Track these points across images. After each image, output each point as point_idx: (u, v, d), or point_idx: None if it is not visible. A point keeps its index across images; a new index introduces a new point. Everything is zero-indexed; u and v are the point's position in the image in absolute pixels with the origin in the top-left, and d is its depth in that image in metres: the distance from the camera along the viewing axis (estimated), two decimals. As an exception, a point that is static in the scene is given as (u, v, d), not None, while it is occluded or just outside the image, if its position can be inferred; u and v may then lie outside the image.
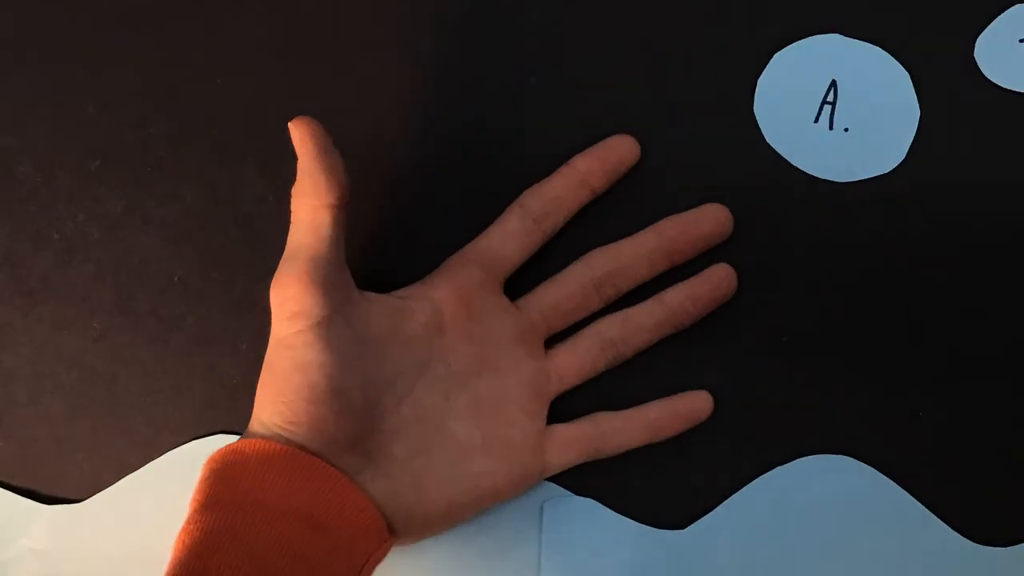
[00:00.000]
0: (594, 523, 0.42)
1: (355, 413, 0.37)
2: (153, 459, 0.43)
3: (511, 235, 0.40)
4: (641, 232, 0.41)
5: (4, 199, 0.43)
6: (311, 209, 0.37)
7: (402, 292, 0.40)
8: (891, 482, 0.42)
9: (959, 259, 0.43)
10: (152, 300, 0.43)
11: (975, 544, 0.42)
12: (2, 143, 0.43)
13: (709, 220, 0.41)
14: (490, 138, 0.43)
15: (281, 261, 0.37)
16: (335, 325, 0.36)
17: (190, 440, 0.43)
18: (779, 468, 0.42)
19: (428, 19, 0.43)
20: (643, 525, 0.42)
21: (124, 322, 0.43)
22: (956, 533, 0.42)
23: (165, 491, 0.42)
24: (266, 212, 0.43)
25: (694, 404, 0.41)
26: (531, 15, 0.43)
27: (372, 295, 0.39)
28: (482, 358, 0.40)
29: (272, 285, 0.37)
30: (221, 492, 0.35)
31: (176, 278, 0.43)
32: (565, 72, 0.43)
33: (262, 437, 0.36)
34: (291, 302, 0.36)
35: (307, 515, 0.35)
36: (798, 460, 0.42)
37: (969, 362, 0.42)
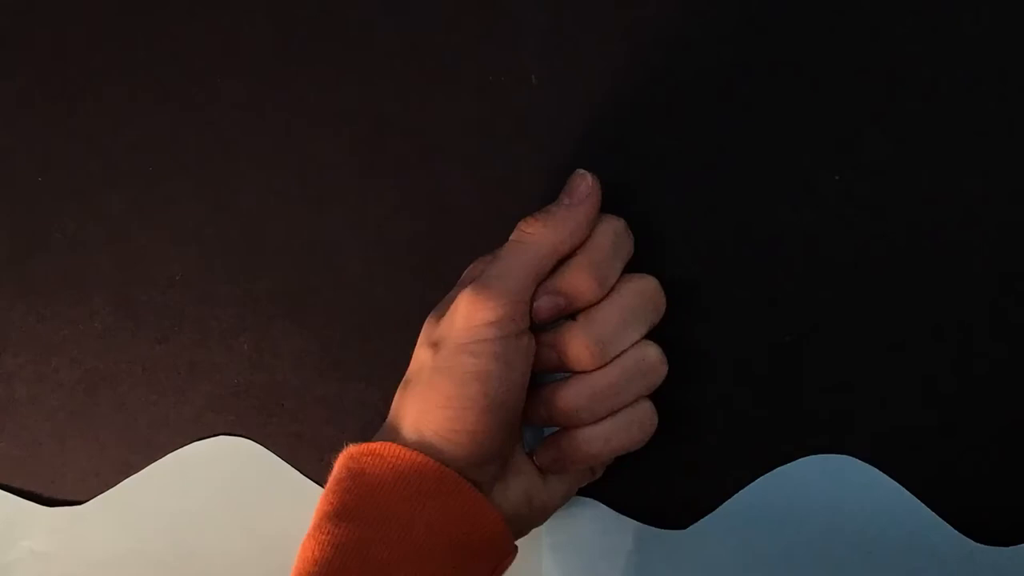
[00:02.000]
0: (595, 523, 0.42)
1: (512, 427, 0.37)
2: (154, 459, 0.43)
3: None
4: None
5: (4, 199, 0.43)
6: (551, 244, 0.37)
7: None
8: (892, 482, 0.42)
9: (960, 259, 0.43)
10: (152, 300, 0.43)
11: (977, 544, 0.41)
12: (2, 143, 0.43)
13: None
14: (490, 138, 0.43)
15: (489, 271, 0.37)
16: (519, 344, 0.37)
17: (191, 440, 0.43)
18: (780, 468, 0.42)
19: (428, 19, 0.43)
20: (644, 525, 0.42)
21: (124, 322, 0.43)
22: (958, 533, 0.42)
23: (165, 493, 0.43)
24: (266, 212, 0.43)
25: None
26: (531, 15, 0.43)
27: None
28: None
29: (473, 291, 0.37)
30: (354, 502, 0.35)
31: (177, 278, 0.43)
32: (565, 72, 0.43)
33: (406, 443, 0.36)
34: (492, 312, 0.36)
35: (442, 532, 0.35)
36: (798, 460, 0.42)
37: (970, 361, 0.42)
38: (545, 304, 0.37)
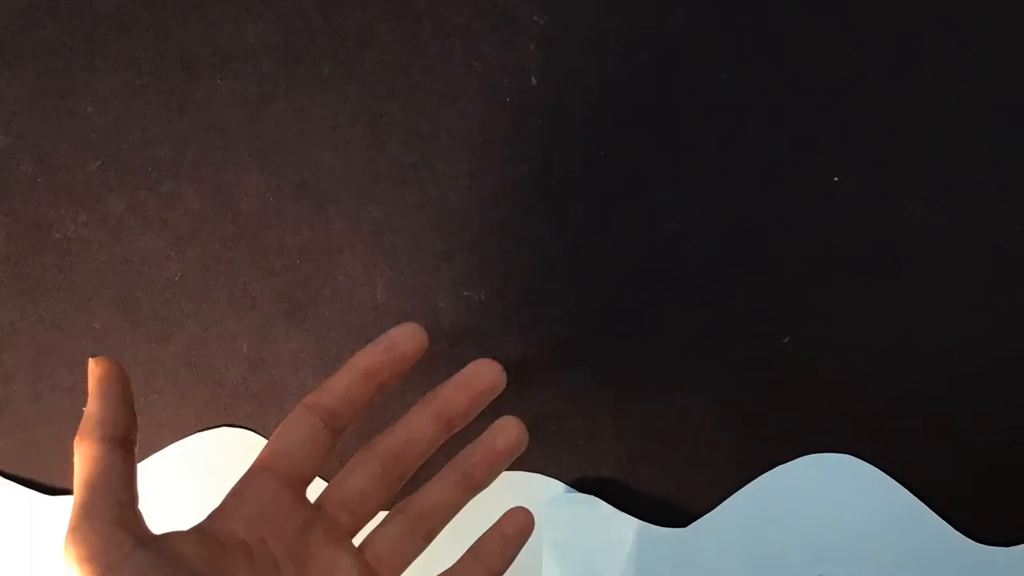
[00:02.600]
0: (596, 520, 0.42)
1: None
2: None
3: (303, 443, 0.37)
4: (416, 407, 0.39)
5: (4, 199, 0.43)
6: (101, 448, 0.34)
7: (203, 523, 0.36)
8: (893, 481, 0.42)
9: (960, 259, 0.43)
10: (152, 300, 0.43)
11: (978, 544, 0.41)
12: (2, 143, 0.43)
13: (483, 379, 0.39)
14: (490, 138, 0.43)
15: (72, 520, 0.33)
16: (157, 574, 0.32)
17: (190, 440, 0.43)
18: (780, 467, 0.42)
19: (428, 19, 0.43)
20: (644, 523, 0.42)
21: (124, 322, 0.43)
22: (959, 533, 0.42)
23: (166, 482, 0.43)
24: (266, 212, 0.43)
25: (505, 434, 0.39)
26: (531, 15, 0.43)
27: (173, 534, 0.34)
28: (303, 564, 0.36)
29: (65, 554, 0.32)
30: None
31: (176, 278, 0.43)
32: (565, 72, 0.43)
33: None
34: (96, 561, 0.32)
35: None
36: (799, 459, 0.42)
37: (970, 361, 0.42)
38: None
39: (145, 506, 0.41)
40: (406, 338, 0.38)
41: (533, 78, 0.43)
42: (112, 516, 0.32)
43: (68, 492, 0.43)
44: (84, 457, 0.34)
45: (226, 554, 0.34)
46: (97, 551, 0.32)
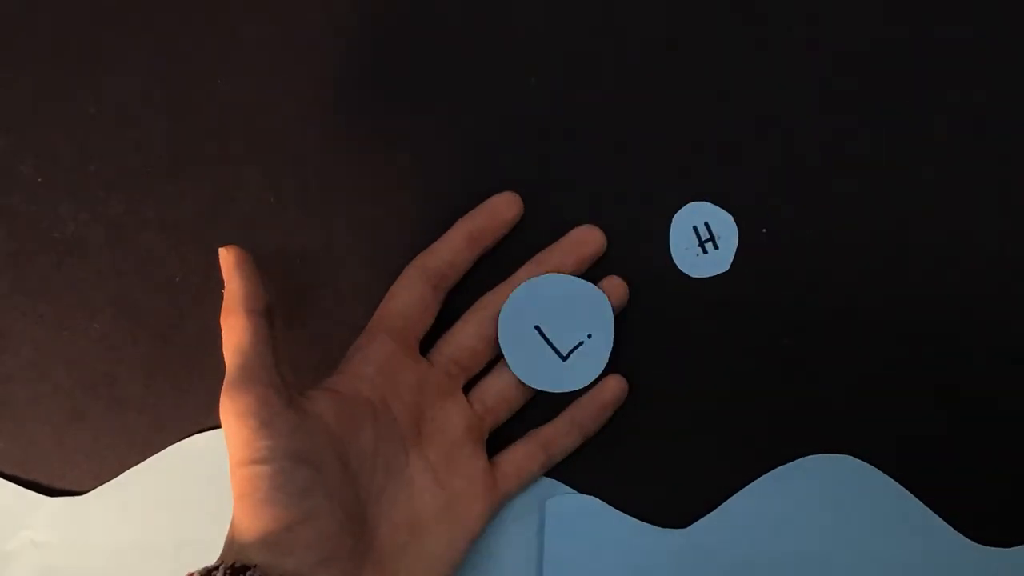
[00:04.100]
0: (596, 521, 0.42)
1: (341, 525, 0.36)
2: (154, 459, 0.43)
3: (415, 303, 0.41)
4: (524, 268, 0.42)
5: (4, 199, 0.43)
6: (249, 320, 0.37)
7: (331, 383, 0.39)
8: (893, 481, 0.42)
9: (959, 259, 0.43)
10: (153, 301, 0.43)
11: (977, 544, 0.41)
12: (2, 143, 0.43)
13: (588, 245, 0.42)
14: (490, 138, 0.43)
15: (228, 381, 0.36)
16: (304, 433, 0.36)
17: (190, 440, 0.43)
18: (780, 468, 0.42)
19: (428, 20, 0.43)
20: (645, 523, 0.42)
21: (124, 323, 0.43)
22: (958, 533, 0.42)
23: (167, 484, 0.43)
24: (267, 212, 0.43)
25: (611, 389, 0.42)
26: (531, 15, 0.43)
27: (313, 394, 0.38)
28: (417, 420, 0.40)
29: (222, 411, 0.36)
30: None
31: (177, 279, 0.43)
32: (565, 72, 0.43)
33: (239, 558, 0.34)
34: (252, 417, 0.35)
35: None
36: (799, 460, 0.42)
37: (970, 361, 0.42)
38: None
39: (145, 507, 0.42)
40: (507, 204, 0.42)
41: (533, 79, 0.43)
42: (264, 378, 0.36)
43: (68, 493, 0.43)
44: (233, 328, 0.37)
45: (356, 414, 0.38)
46: (251, 408, 0.35)
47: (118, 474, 0.43)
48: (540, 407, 0.42)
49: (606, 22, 0.43)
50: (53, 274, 0.43)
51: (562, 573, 0.42)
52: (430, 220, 0.43)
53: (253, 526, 0.35)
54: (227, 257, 0.37)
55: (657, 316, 0.43)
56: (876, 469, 0.42)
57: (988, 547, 0.42)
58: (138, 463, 0.43)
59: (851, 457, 0.42)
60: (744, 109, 0.43)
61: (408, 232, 0.43)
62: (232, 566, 0.34)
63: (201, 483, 0.42)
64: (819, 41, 0.43)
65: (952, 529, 0.42)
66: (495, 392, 0.41)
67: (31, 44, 0.44)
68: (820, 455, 0.42)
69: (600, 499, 0.42)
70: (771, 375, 0.42)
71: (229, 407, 0.35)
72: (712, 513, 0.42)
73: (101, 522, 0.42)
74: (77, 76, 0.43)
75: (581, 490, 0.42)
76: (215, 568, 0.34)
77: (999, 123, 0.43)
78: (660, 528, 0.42)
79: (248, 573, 0.34)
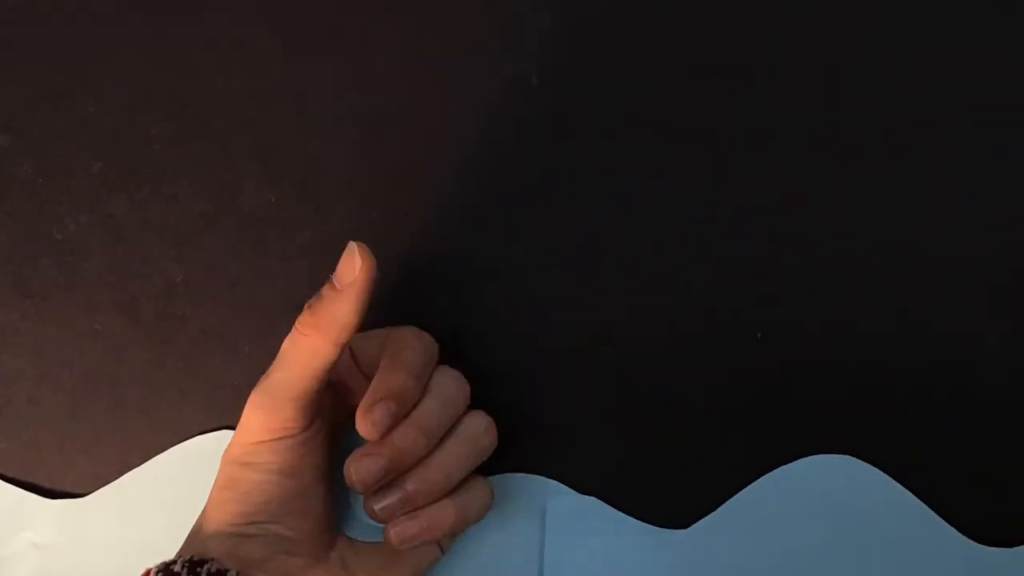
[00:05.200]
0: (597, 522, 0.42)
1: (307, 530, 0.38)
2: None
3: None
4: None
5: (4, 199, 0.43)
6: (325, 346, 0.35)
7: None
8: (894, 481, 0.42)
9: (959, 259, 0.43)
10: (153, 301, 0.43)
11: (979, 545, 0.42)
12: (2, 143, 0.43)
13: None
14: (490, 138, 0.43)
15: (272, 376, 0.36)
16: (303, 445, 0.37)
17: (191, 441, 0.43)
18: (781, 468, 0.42)
19: (429, 20, 0.43)
20: (646, 524, 0.42)
21: (125, 323, 0.43)
22: (960, 534, 0.42)
23: (168, 485, 0.43)
24: (268, 213, 0.43)
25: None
26: (531, 15, 0.43)
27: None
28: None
29: (252, 401, 0.36)
30: None
31: (178, 279, 0.43)
32: (566, 72, 0.43)
33: (204, 547, 0.36)
34: (267, 424, 0.36)
35: None
36: (800, 460, 0.42)
37: (970, 361, 0.42)
38: (381, 412, 0.36)
39: (147, 508, 0.42)
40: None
41: (534, 78, 0.43)
42: (303, 401, 0.35)
43: (68, 494, 0.43)
44: (309, 346, 0.35)
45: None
46: (276, 423, 0.35)
47: (119, 475, 0.43)
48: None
49: (608, 21, 0.43)
50: (53, 274, 0.43)
51: (562, 573, 0.42)
52: (430, 220, 0.43)
53: (222, 519, 0.36)
54: (357, 265, 0.35)
55: (657, 316, 0.43)
56: (876, 469, 0.42)
57: (989, 547, 0.42)
58: (139, 464, 0.43)
59: (851, 457, 0.42)
60: (747, 109, 0.43)
61: (408, 232, 0.43)
62: (191, 560, 0.35)
63: (202, 485, 0.42)
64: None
65: (953, 529, 0.42)
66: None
67: (31, 44, 0.44)
68: (820, 455, 0.42)
69: (600, 499, 0.42)
70: (771, 375, 0.42)
71: (258, 408, 0.36)
72: (713, 514, 0.42)
73: (102, 524, 0.42)
74: (77, 76, 0.43)
75: (581, 490, 0.42)
76: (173, 562, 0.35)
77: (1000, 124, 0.43)
78: (660, 528, 0.42)
79: (206, 566, 0.34)
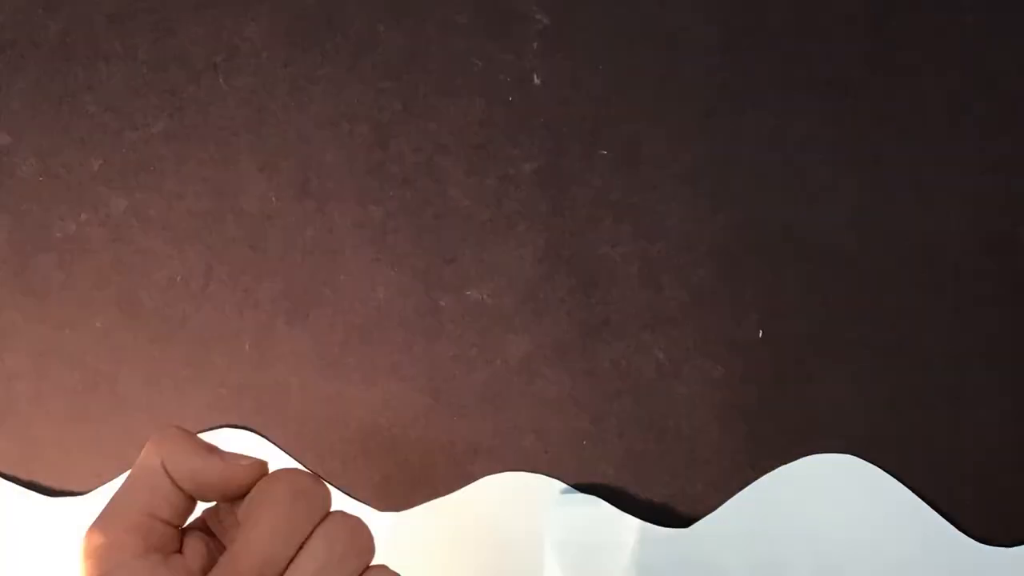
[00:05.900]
0: (598, 521, 0.42)
1: None
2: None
3: None
4: None
5: (5, 199, 0.43)
6: (182, 501, 0.32)
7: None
8: (894, 481, 0.42)
9: (959, 258, 0.43)
10: (154, 300, 0.43)
11: (980, 544, 0.42)
12: (2, 143, 0.43)
13: None
14: (492, 137, 0.43)
15: (109, 512, 0.33)
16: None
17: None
18: (783, 467, 0.42)
19: (429, 19, 0.43)
20: (647, 523, 0.42)
21: (126, 322, 0.43)
22: (961, 533, 0.42)
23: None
24: (268, 212, 0.43)
25: None
26: (532, 15, 0.43)
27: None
28: None
29: (92, 536, 0.33)
30: None
31: (178, 278, 0.43)
32: (567, 72, 0.43)
33: None
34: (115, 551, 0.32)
35: None
36: (802, 459, 0.42)
37: (971, 361, 0.42)
38: None
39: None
40: None
41: (536, 77, 0.43)
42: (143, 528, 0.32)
43: (68, 493, 0.43)
44: (158, 489, 0.32)
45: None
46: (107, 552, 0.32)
47: (119, 475, 0.43)
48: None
49: (609, 21, 0.43)
50: (54, 274, 0.43)
51: (562, 573, 0.42)
52: (431, 219, 0.43)
53: None
54: (256, 465, 0.32)
55: (658, 316, 0.43)
56: (876, 469, 0.42)
57: (989, 546, 0.42)
58: (139, 464, 0.43)
59: (851, 457, 0.42)
60: (747, 109, 0.43)
61: (409, 231, 0.43)
62: None
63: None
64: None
65: (954, 528, 0.42)
66: None
67: (31, 44, 0.44)
68: (821, 455, 0.42)
69: (600, 499, 0.42)
70: (771, 375, 0.42)
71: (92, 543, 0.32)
72: (714, 514, 0.42)
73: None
74: (78, 76, 0.43)
75: (581, 490, 0.42)
76: None
77: (998, 125, 0.43)
78: (661, 528, 0.42)
79: None
